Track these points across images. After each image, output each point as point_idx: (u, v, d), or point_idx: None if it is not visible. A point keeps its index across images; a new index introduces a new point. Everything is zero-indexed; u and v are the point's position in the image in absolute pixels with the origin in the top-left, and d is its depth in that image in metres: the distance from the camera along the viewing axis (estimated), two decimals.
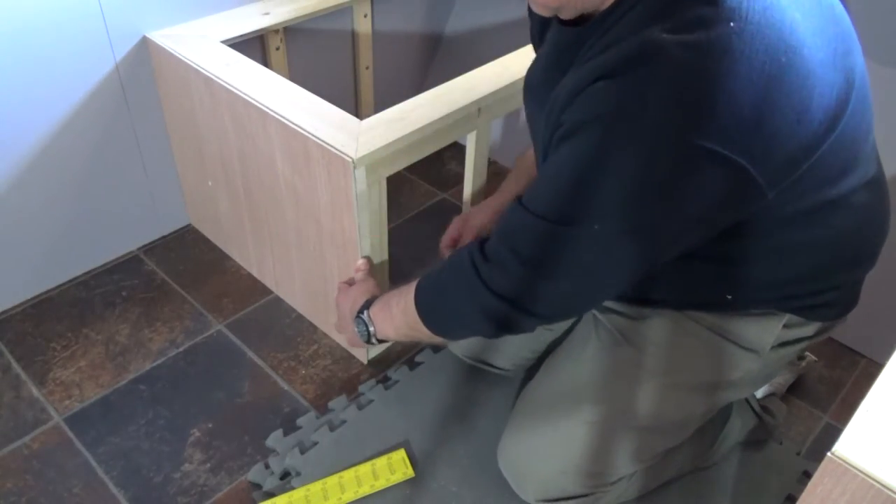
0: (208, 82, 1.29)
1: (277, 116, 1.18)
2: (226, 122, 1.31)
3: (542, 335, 1.22)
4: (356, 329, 1.09)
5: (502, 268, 0.82)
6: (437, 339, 1.01)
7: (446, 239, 1.24)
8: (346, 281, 1.22)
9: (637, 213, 0.74)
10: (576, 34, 0.81)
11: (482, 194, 1.44)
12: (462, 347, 1.31)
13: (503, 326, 0.87)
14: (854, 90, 0.77)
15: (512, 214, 0.83)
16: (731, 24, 0.66)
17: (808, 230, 0.85)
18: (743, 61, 0.66)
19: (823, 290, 0.94)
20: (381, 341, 1.09)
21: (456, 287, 0.89)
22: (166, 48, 1.36)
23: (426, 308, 0.95)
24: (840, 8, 0.78)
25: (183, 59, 1.33)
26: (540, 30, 1.03)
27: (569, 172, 0.75)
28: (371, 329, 1.06)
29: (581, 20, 0.82)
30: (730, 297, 0.94)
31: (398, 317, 1.00)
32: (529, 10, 0.99)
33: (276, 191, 1.30)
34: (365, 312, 1.07)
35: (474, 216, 1.24)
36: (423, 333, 0.98)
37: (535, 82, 0.98)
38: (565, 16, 0.81)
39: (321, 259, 1.30)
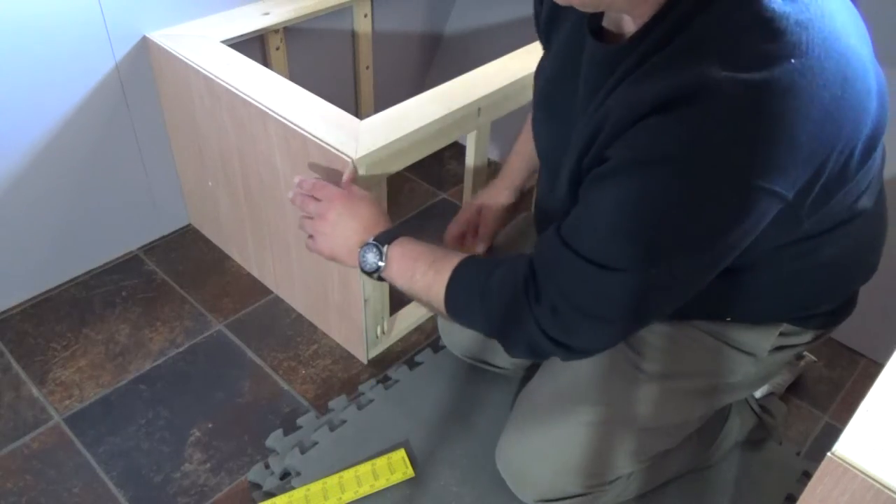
0: (208, 82, 1.29)
1: (277, 116, 1.18)
2: (225, 122, 1.31)
3: None
4: (363, 254, 0.97)
5: (555, 313, 0.78)
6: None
7: (455, 229, 1.20)
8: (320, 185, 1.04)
9: (693, 254, 0.72)
10: (606, 53, 0.77)
11: None
12: (462, 347, 1.31)
13: (540, 355, 0.84)
14: (884, 117, 0.76)
15: (556, 251, 0.78)
16: (793, 60, 0.64)
17: (816, 252, 0.85)
18: (805, 98, 0.64)
19: (820, 303, 0.95)
20: (380, 279, 0.98)
21: (505, 310, 0.83)
22: (166, 48, 1.36)
23: (459, 307, 0.90)
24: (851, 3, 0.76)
25: (183, 59, 1.33)
26: (546, 27, 0.98)
27: (620, 217, 0.72)
28: (381, 265, 0.96)
29: (609, 35, 0.79)
30: (729, 318, 0.95)
31: (419, 284, 0.93)
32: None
33: (276, 191, 1.30)
34: (386, 246, 0.96)
35: (489, 210, 1.20)
36: (435, 310, 0.93)
37: (548, 90, 0.94)
38: (594, 9, 0.76)
39: (321, 259, 1.30)
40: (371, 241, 0.96)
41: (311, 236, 1.03)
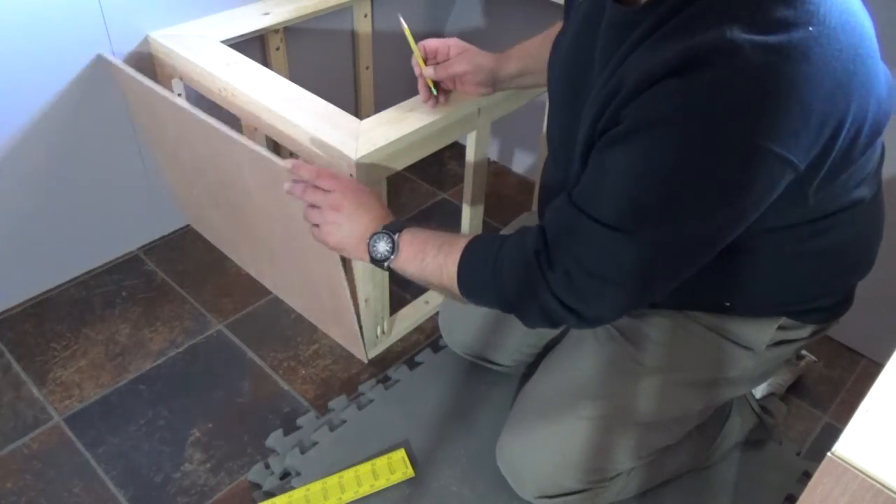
0: (208, 81, 1.29)
1: (277, 116, 1.18)
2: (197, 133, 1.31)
3: (542, 331, 1.22)
4: (373, 243, 0.95)
5: (568, 278, 0.79)
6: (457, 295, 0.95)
7: (425, 91, 1.18)
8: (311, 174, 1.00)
9: (705, 217, 0.73)
10: (624, 14, 0.77)
11: (482, 194, 1.44)
12: (462, 345, 1.31)
13: (555, 322, 0.84)
14: (890, 106, 0.78)
15: (571, 219, 0.78)
16: (811, 28, 0.65)
17: (813, 240, 0.86)
18: (819, 65, 0.65)
19: (819, 296, 0.95)
20: (388, 269, 0.97)
21: (517, 281, 0.84)
22: (167, 48, 1.36)
23: (472, 284, 0.90)
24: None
25: (184, 59, 1.33)
26: (568, 3, 0.98)
27: (634, 178, 0.72)
28: (392, 256, 0.94)
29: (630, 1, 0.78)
30: (728, 304, 0.95)
31: (430, 268, 0.92)
32: None
33: (249, 200, 1.29)
34: (396, 234, 0.94)
35: (472, 75, 1.15)
36: (448, 292, 0.93)
37: (563, 73, 0.94)
38: None
39: (309, 269, 1.30)
40: (381, 229, 0.95)
41: (316, 225, 1.00)
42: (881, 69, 0.73)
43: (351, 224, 0.97)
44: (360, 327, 1.32)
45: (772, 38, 0.64)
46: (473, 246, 0.90)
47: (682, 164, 0.69)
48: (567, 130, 0.90)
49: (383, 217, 0.97)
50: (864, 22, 0.70)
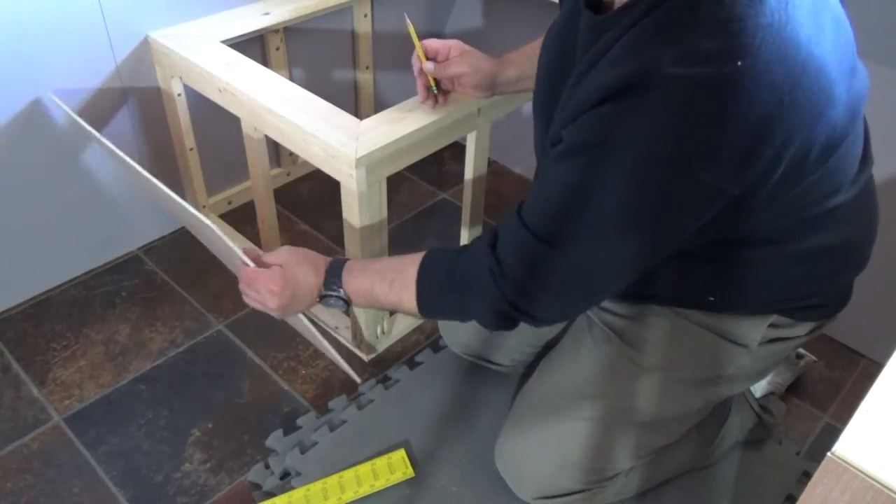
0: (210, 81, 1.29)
1: (277, 116, 1.18)
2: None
3: (541, 331, 1.22)
4: (325, 304, 0.98)
5: (504, 272, 0.83)
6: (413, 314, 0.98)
7: (424, 89, 1.18)
8: (252, 261, 0.99)
9: (637, 235, 0.76)
10: (595, 23, 0.79)
11: (482, 194, 1.44)
12: (462, 345, 1.31)
13: (503, 324, 0.88)
14: (858, 114, 0.79)
15: (511, 222, 0.83)
16: (740, 62, 0.65)
17: (795, 247, 0.86)
18: (744, 99, 0.65)
19: (809, 296, 0.95)
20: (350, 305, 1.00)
21: (476, 299, 0.88)
22: (167, 48, 1.36)
23: (434, 310, 0.96)
24: (845, 18, 0.77)
25: (183, 59, 1.33)
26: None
27: (563, 195, 0.76)
28: (346, 303, 0.98)
29: (606, 7, 0.79)
30: (712, 298, 0.95)
31: (388, 303, 0.96)
32: None
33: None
34: (341, 290, 0.96)
35: (471, 77, 1.16)
36: (405, 311, 0.97)
37: (545, 54, 0.96)
38: None
39: None
40: (324, 293, 0.97)
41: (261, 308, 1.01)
42: (839, 90, 0.72)
43: (293, 305, 0.98)
44: (343, 348, 1.27)
45: (699, 71, 0.65)
46: (426, 274, 0.92)
47: (607, 187, 0.73)
48: (542, 131, 0.94)
49: (315, 274, 0.98)
50: (812, 50, 0.68)
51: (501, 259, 0.83)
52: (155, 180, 1.04)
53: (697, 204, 0.73)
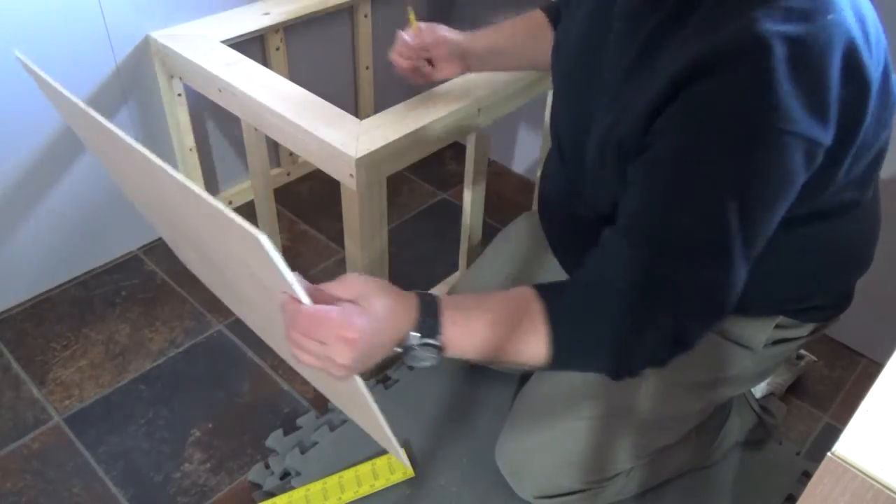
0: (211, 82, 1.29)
1: (278, 115, 1.18)
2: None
3: None
4: (411, 359, 0.73)
5: (672, 331, 0.74)
6: (520, 366, 0.80)
7: (405, 62, 1.12)
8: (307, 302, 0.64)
9: (767, 216, 0.71)
10: (635, 5, 0.76)
11: (482, 194, 1.44)
12: None
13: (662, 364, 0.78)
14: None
15: (639, 263, 0.72)
16: (829, 15, 0.66)
17: (807, 237, 0.85)
18: (839, 51, 0.66)
19: (815, 295, 0.95)
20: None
21: (623, 348, 0.75)
22: (167, 48, 1.36)
23: (570, 363, 0.79)
24: (880, 26, 0.78)
25: (183, 59, 1.33)
26: None
27: (703, 195, 0.69)
28: (436, 356, 0.73)
29: None
30: None
31: (503, 355, 0.76)
32: None
33: None
34: (440, 336, 0.72)
35: (446, 46, 1.12)
36: (525, 362, 0.77)
37: (571, 43, 0.91)
38: None
39: None
40: (417, 341, 0.72)
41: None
42: (887, 57, 0.74)
43: (371, 355, 0.69)
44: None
45: (797, 28, 0.65)
46: (560, 325, 0.75)
47: (741, 170, 0.68)
48: (578, 122, 0.88)
49: (408, 321, 0.71)
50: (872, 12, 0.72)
51: (644, 309, 0.73)
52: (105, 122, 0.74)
53: (807, 162, 0.69)
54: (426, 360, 0.73)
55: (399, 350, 0.72)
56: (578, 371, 0.85)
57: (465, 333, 0.73)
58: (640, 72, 0.76)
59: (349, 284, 0.69)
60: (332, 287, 0.68)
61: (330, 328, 0.63)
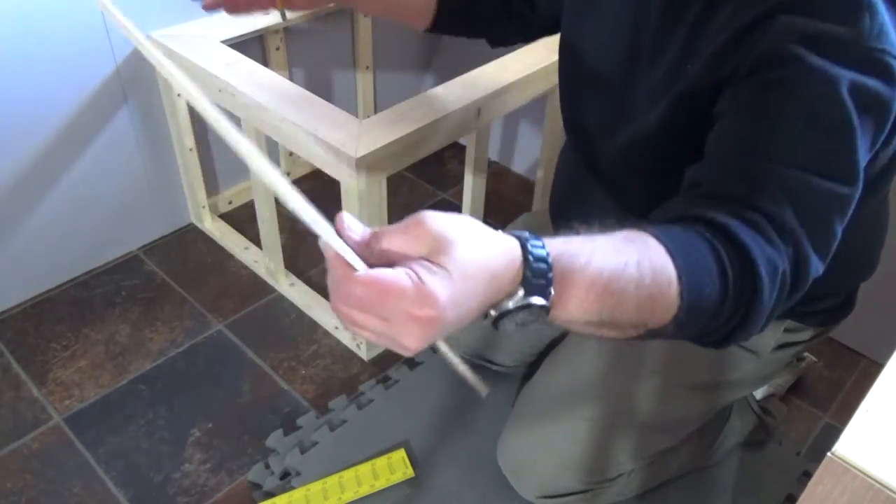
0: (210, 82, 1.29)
1: (278, 116, 1.18)
2: None
3: (543, 331, 1.22)
4: (503, 319, 0.53)
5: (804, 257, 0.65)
6: (633, 332, 0.62)
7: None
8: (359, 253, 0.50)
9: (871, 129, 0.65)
10: None
11: (482, 194, 1.44)
12: (462, 345, 1.30)
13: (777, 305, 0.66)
14: None
15: (796, 185, 0.63)
16: None
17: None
18: None
19: (822, 297, 0.95)
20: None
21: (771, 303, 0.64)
22: (167, 49, 1.36)
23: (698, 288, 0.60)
24: None
25: (183, 59, 1.33)
26: None
27: (831, 119, 0.63)
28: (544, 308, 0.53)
29: None
30: None
31: (628, 316, 0.58)
32: None
33: None
34: (550, 290, 0.52)
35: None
36: (655, 321, 0.60)
37: (606, 24, 0.88)
38: None
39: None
40: (511, 306, 0.52)
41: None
42: None
43: (464, 319, 0.51)
44: None
45: None
46: (691, 266, 0.59)
47: (836, 95, 0.62)
48: (617, 103, 0.86)
49: (509, 279, 0.51)
50: None
51: (796, 237, 0.63)
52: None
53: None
54: (526, 322, 0.54)
55: (492, 314, 0.53)
56: (693, 334, 0.67)
57: (587, 286, 0.54)
58: (687, 59, 0.74)
59: (422, 234, 0.49)
60: (398, 236, 0.49)
61: (397, 303, 0.46)
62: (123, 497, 1.15)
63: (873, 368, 1.43)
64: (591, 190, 0.97)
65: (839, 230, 0.66)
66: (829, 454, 0.47)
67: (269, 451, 1.23)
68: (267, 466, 1.20)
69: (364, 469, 1.18)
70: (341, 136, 1.12)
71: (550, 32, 1.05)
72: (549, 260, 0.53)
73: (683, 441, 1.10)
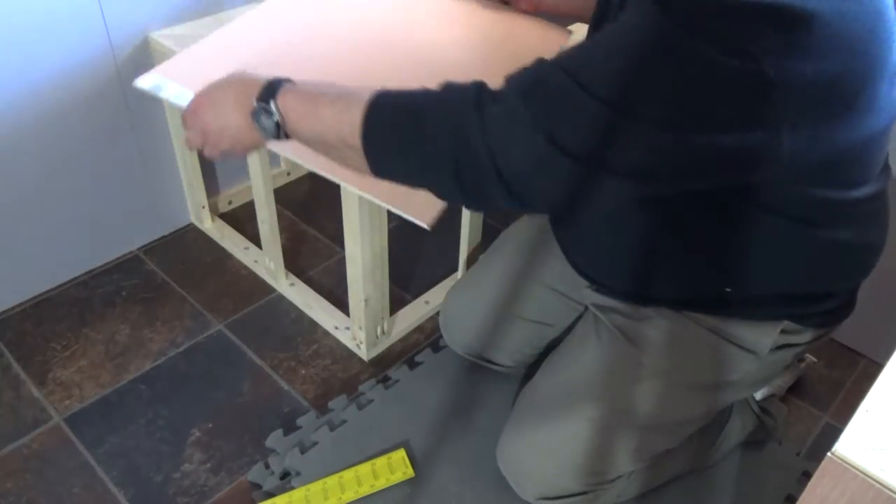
0: None
1: None
2: None
3: (543, 332, 1.22)
4: (256, 122, 0.86)
5: (530, 144, 0.70)
6: (357, 169, 0.83)
7: None
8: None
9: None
10: None
11: None
12: (463, 345, 1.30)
13: (469, 190, 0.74)
14: (893, 120, 0.78)
15: (555, 77, 0.70)
16: None
17: (815, 233, 0.85)
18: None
19: (820, 298, 0.95)
20: (287, 137, 0.87)
21: (439, 115, 0.74)
22: (167, 49, 1.35)
23: (380, 129, 0.78)
24: None
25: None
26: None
27: (633, 56, 0.67)
28: (278, 120, 0.84)
29: None
30: (729, 289, 0.93)
31: (328, 118, 0.81)
32: None
33: None
34: (271, 102, 0.84)
35: None
36: (346, 154, 0.82)
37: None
38: None
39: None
40: (255, 104, 0.85)
41: (203, 147, 0.93)
42: (885, 87, 0.72)
43: (219, 123, 0.89)
44: None
45: None
46: (386, 94, 0.78)
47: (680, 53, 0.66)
48: None
49: (248, 90, 0.86)
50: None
51: (525, 101, 0.71)
52: None
53: (750, 95, 0.66)
54: (266, 127, 0.85)
55: (252, 122, 0.85)
56: (405, 170, 0.80)
57: (294, 98, 0.83)
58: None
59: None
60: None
61: (188, 114, 0.91)
62: (123, 497, 1.15)
63: (873, 368, 1.43)
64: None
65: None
66: (829, 454, 0.47)
67: (268, 451, 1.23)
68: (267, 466, 1.20)
69: (364, 469, 1.18)
70: None
71: None
72: (274, 91, 0.83)
73: (683, 442, 1.10)
